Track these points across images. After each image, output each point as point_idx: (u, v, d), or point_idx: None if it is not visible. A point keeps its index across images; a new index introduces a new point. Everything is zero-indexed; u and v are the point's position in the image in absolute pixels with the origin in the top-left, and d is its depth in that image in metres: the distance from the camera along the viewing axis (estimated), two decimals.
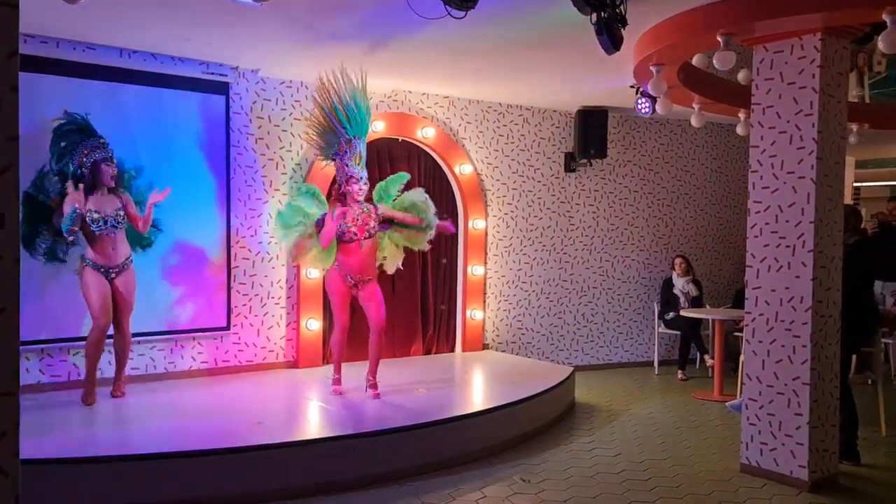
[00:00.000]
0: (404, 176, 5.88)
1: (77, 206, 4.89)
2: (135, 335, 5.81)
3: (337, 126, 5.38)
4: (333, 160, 5.54)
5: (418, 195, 5.79)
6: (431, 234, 5.77)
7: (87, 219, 5.02)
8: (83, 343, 5.27)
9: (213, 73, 6.09)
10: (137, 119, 5.81)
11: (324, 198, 5.79)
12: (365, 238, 5.47)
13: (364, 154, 5.51)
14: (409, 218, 5.68)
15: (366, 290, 5.56)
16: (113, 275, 5.19)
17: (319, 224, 5.46)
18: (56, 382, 5.54)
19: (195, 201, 6.10)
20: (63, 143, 5.19)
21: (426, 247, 5.91)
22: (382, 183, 5.84)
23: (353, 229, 5.43)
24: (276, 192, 6.55)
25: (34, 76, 5.29)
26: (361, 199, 5.47)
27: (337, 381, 5.69)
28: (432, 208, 5.78)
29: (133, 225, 5.29)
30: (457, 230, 7.58)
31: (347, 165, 5.40)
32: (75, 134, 5.18)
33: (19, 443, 1.67)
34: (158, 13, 4.84)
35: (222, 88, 6.21)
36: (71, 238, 5.03)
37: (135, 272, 5.34)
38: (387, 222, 5.70)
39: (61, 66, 5.47)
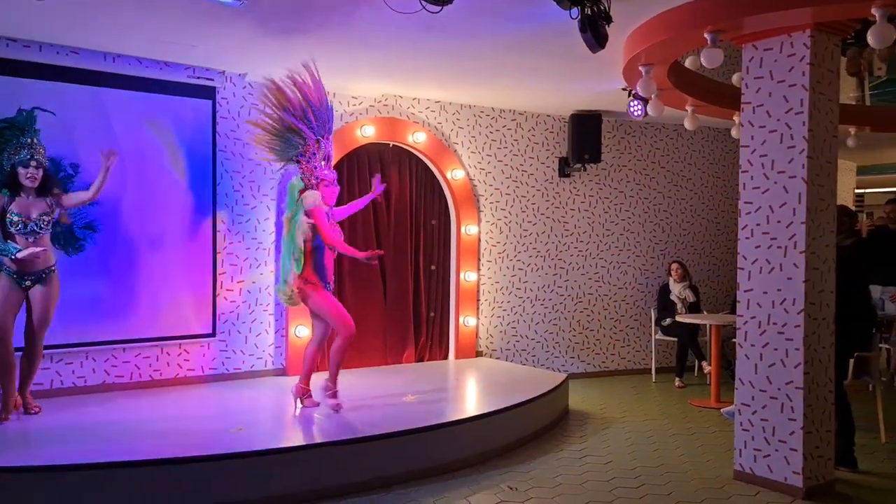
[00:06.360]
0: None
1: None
2: (120, 341, 5.77)
3: (302, 126, 5.16)
4: (297, 162, 5.29)
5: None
6: None
7: (6, 220, 4.76)
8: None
9: (199, 78, 6.03)
10: (122, 124, 5.75)
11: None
12: None
13: (332, 155, 5.37)
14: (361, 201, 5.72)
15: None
16: (28, 283, 4.81)
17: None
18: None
19: (181, 207, 6.03)
20: None
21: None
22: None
23: (336, 233, 5.29)
24: (263, 197, 6.48)
25: (15, 80, 5.26)
26: (334, 203, 5.34)
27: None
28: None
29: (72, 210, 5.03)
30: (448, 236, 7.54)
31: (316, 168, 5.21)
32: (7, 131, 4.90)
33: None
34: (141, 16, 4.79)
35: (209, 93, 6.15)
36: None
37: (57, 284, 4.94)
38: None
39: (45, 71, 5.41)
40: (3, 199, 4.79)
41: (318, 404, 5.31)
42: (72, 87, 5.52)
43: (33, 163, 4.81)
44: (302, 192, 5.25)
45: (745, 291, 4.74)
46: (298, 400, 5.31)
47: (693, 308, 8.03)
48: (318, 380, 5.40)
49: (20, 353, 4.94)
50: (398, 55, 5.69)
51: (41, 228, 4.84)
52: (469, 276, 7.50)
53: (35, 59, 5.36)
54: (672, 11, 4.62)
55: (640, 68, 5.29)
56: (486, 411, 5.27)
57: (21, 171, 4.80)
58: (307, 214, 5.13)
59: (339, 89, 6.64)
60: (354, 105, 6.86)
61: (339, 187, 5.40)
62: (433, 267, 7.43)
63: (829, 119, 4.55)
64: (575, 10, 4.11)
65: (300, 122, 5.17)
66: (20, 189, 4.82)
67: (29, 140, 4.88)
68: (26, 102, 4.98)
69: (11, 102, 4.99)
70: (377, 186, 5.67)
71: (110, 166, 4.96)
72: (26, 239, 4.80)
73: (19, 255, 4.67)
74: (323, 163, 5.27)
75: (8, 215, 4.76)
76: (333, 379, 5.28)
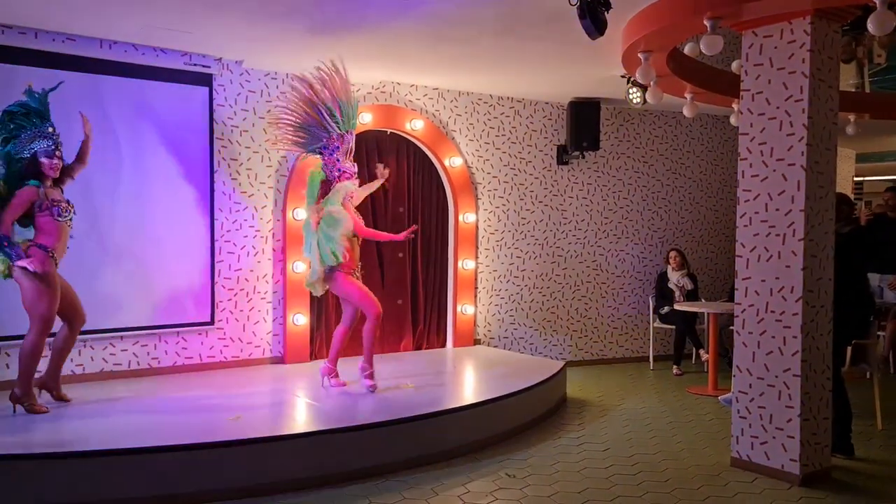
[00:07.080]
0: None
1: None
2: (118, 330, 5.77)
3: (329, 121, 5.27)
4: (319, 154, 5.42)
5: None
6: None
7: (53, 209, 4.68)
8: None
9: (195, 65, 5.99)
10: (119, 111, 5.72)
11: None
12: None
13: (353, 148, 5.48)
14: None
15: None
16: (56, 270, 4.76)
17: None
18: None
19: (178, 195, 6.01)
20: (11, 126, 4.73)
21: None
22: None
23: (360, 221, 5.49)
24: (261, 185, 6.46)
25: (11, 67, 5.23)
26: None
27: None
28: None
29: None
30: (447, 224, 7.53)
31: (338, 161, 5.34)
32: (22, 118, 4.74)
33: None
34: (138, 1, 4.75)
35: (206, 80, 6.12)
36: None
37: None
38: None
39: (40, 58, 5.37)
40: (39, 192, 4.64)
41: (344, 384, 5.54)
42: (67, 73, 5.47)
43: (57, 153, 4.73)
44: (324, 183, 5.38)
45: (744, 279, 4.74)
46: (325, 379, 5.56)
47: (691, 296, 8.04)
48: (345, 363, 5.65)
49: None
50: (395, 42, 5.65)
51: (75, 213, 4.86)
52: (467, 264, 7.49)
53: (31, 45, 5.33)
54: None
55: (640, 55, 5.27)
56: (484, 399, 5.28)
57: (45, 161, 4.69)
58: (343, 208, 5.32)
59: None
60: (352, 92, 6.81)
61: (359, 180, 5.55)
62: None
63: (828, 106, 4.53)
64: None
65: (327, 117, 5.26)
66: (42, 178, 4.71)
67: (50, 129, 4.75)
68: (22, 89, 4.92)
69: (7, 89, 4.95)
70: (380, 174, 5.86)
71: (89, 132, 4.97)
72: (67, 226, 4.76)
73: (32, 268, 4.55)
74: (345, 156, 5.39)
75: (55, 205, 4.67)
76: (369, 360, 5.47)
